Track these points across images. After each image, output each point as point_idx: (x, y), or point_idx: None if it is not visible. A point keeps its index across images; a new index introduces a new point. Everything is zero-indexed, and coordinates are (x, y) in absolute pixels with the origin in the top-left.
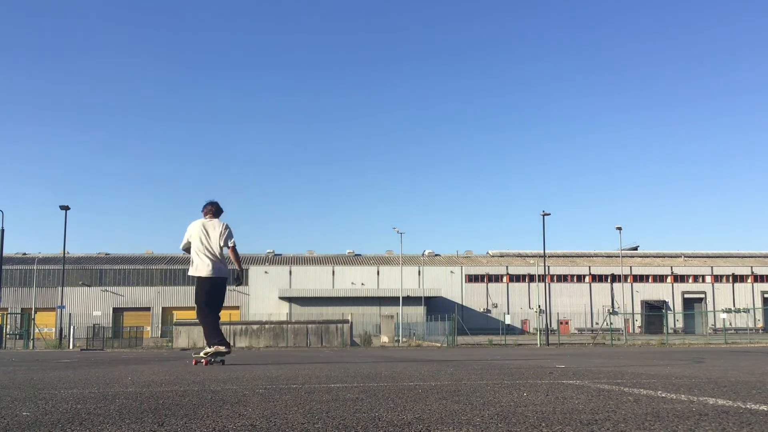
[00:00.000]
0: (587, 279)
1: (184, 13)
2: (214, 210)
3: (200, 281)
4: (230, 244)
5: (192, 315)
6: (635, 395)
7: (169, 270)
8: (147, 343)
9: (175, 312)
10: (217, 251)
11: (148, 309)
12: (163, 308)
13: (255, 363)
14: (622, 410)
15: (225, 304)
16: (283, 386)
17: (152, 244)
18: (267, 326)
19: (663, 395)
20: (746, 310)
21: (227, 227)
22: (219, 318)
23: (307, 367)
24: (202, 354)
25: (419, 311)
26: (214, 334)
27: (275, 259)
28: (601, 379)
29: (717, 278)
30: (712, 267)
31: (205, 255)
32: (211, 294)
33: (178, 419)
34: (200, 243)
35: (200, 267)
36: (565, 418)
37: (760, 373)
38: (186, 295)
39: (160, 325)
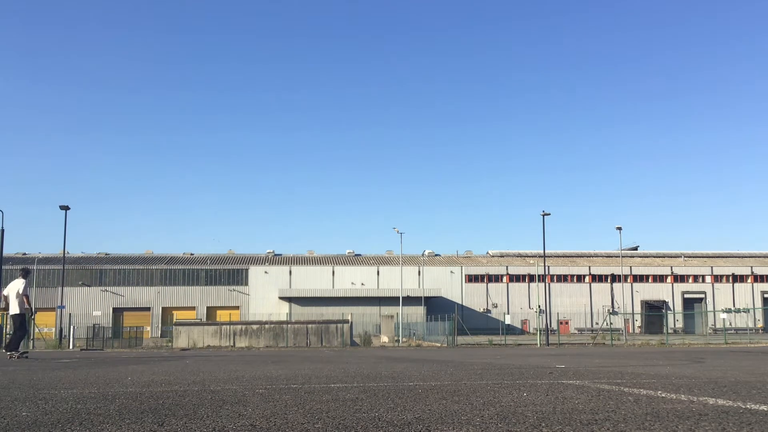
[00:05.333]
0: (587, 279)
1: (181, 12)
2: (23, 273)
3: (13, 316)
4: (25, 293)
5: (192, 315)
6: (635, 395)
7: (169, 270)
8: (147, 343)
9: (174, 312)
10: (23, 298)
11: (148, 309)
12: (162, 308)
13: (255, 363)
14: (622, 410)
15: (226, 304)
16: (283, 386)
17: (152, 244)
18: (267, 326)
19: (663, 395)
20: (746, 310)
21: (25, 285)
22: (24, 333)
23: (307, 367)
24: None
25: (419, 311)
26: (13, 344)
27: (275, 259)
28: (601, 379)
29: (717, 278)
30: (712, 267)
31: (17, 300)
32: (18, 321)
33: (178, 419)
34: (15, 294)
35: (14, 307)
36: (565, 418)
37: (760, 373)
38: (186, 296)
39: (160, 325)
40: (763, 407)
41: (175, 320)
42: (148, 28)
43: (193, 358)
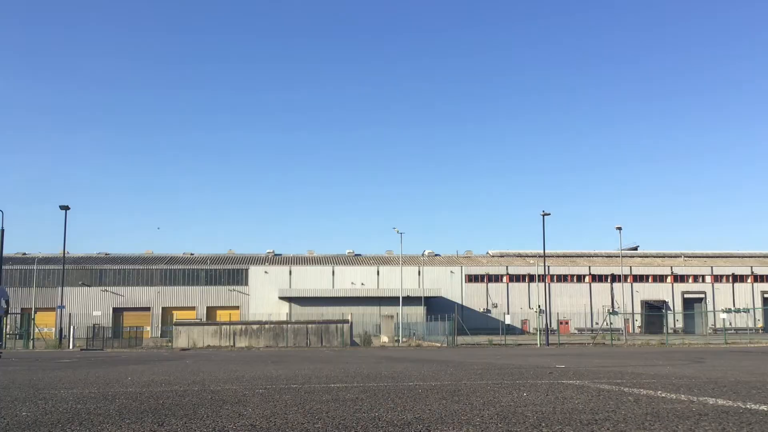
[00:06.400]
0: (587, 279)
1: (181, 13)
2: None
3: None
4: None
5: (192, 315)
6: (635, 395)
7: (169, 270)
8: (147, 343)
9: (175, 312)
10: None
11: (147, 309)
12: (163, 308)
13: (255, 363)
14: (622, 410)
15: (226, 304)
16: (283, 386)
17: (152, 243)
18: (267, 326)
19: (663, 395)
20: (746, 310)
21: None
22: None
23: (307, 367)
24: None
25: (419, 311)
26: None
27: (275, 259)
28: (601, 379)
29: (717, 278)
30: (711, 267)
31: None
32: None
33: (178, 419)
34: None
35: None
36: (565, 418)
37: (760, 373)
38: (186, 296)
39: (160, 325)
40: (763, 407)
41: (175, 320)
42: (147, 27)
43: (193, 358)
